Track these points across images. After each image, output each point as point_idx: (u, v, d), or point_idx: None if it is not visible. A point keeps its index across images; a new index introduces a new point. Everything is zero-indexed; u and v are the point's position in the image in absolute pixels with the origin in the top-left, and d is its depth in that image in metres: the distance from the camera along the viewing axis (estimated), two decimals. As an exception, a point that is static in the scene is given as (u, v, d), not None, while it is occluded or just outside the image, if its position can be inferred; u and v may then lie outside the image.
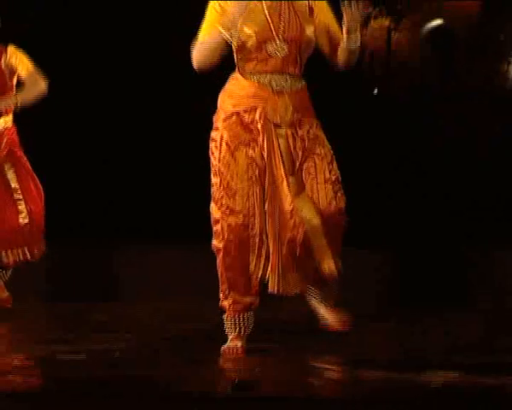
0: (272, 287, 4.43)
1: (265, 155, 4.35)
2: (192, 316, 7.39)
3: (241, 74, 4.56)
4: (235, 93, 4.58)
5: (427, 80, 13.41)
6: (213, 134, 4.55)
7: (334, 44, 4.63)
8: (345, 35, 4.55)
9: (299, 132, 4.55)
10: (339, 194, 4.51)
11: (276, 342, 5.29)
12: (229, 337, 4.84)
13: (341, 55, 4.65)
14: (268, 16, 4.54)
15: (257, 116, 4.46)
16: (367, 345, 5.78)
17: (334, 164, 4.59)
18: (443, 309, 7.52)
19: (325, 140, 4.59)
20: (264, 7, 4.54)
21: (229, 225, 4.29)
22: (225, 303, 4.76)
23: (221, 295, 4.74)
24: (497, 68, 14.85)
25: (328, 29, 4.62)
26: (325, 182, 4.50)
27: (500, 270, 8.23)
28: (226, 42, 4.55)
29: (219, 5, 4.54)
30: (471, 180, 9.55)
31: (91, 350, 5.79)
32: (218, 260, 4.55)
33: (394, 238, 8.72)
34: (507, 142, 10.06)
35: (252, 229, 4.36)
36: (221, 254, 4.47)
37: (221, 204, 4.35)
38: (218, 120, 4.57)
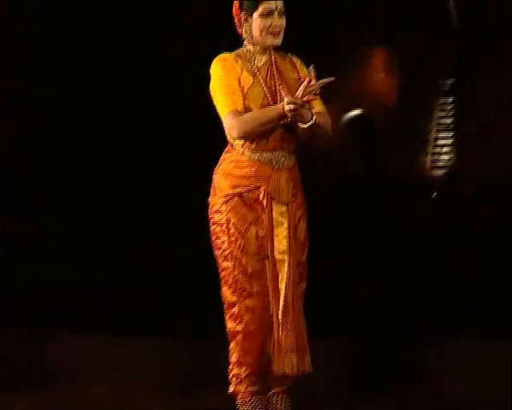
0: (278, 367, 4.32)
1: (270, 234, 4.27)
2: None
3: (239, 152, 4.40)
4: (233, 174, 4.44)
5: (347, 170, 13.51)
6: (216, 217, 4.38)
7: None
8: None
9: (294, 208, 4.53)
10: (304, 278, 4.48)
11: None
12: None
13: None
14: (266, 92, 4.47)
15: (260, 196, 4.37)
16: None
17: (307, 247, 4.55)
18: (395, 395, 7.49)
19: (304, 226, 4.53)
20: (262, 83, 4.46)
21: (247, 308, 4.20)
22: (240, 388, 4.51)
23: (234, 379, 4.50)
24: (416, 159, 15.06)
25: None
26: (299, 265, 4.47)
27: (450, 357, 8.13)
28: None
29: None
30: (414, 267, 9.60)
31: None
32: (232, 344, 4.34)
33: (347, 324, 8.66)
34: (427, 232, 10.16)
35: (269, 310, 4.31)
36: (239, 336, 4.31)
37: (236, 287, 4.26)
38: (218, 202, 4.41)
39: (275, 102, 4.42)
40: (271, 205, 4.39)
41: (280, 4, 4.39)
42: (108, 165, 10.63)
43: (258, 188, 4.31)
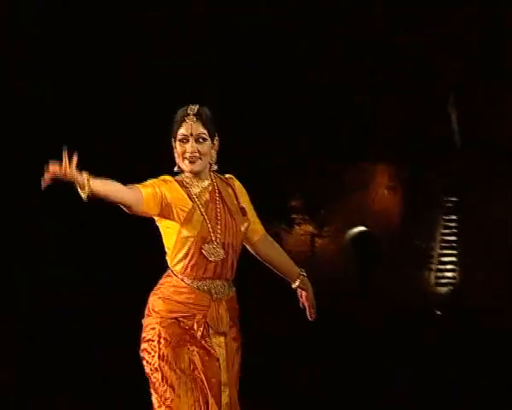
0: None
1: (204, 363, 4.21)
2: None
3: (179, 279, 4.34)
4: (172, 298, 4.37)
5: (347, 287, 13.59)
6: (149, 335, 4.30)
7: (252, 230, 4.55)
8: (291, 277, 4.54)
9: (230, 340, 4.47)
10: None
11: None
12: None
13: (272, 261, 4.53)
14: (206, 218, 4.39)
15: (195, 325, 4.32)
16: None
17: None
18: None
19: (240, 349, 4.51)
20: (201, 209, 4.37)
21: None
22: None
23: None
24: (420, 275, 15.20)
25: (252, 221, 4.55)
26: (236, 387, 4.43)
27: None
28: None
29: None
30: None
31: None
32: None
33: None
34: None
35: None
36: None
37: (165, 398, 4.20)
38: (152, 322, 4.33)
39: (214, 229, 4.34)
40: (207, 334, 4.34)
41: (197, 130, 4.29)
42: (109, 165, 10.62)
43: (195, 316, 4.25)
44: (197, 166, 4.18)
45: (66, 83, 10.15)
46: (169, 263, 4.25)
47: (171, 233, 4.20)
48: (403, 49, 13.05)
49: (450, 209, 15.35)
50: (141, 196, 4.11)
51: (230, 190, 4.32)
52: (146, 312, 4.26)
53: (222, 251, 4.14)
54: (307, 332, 7.91)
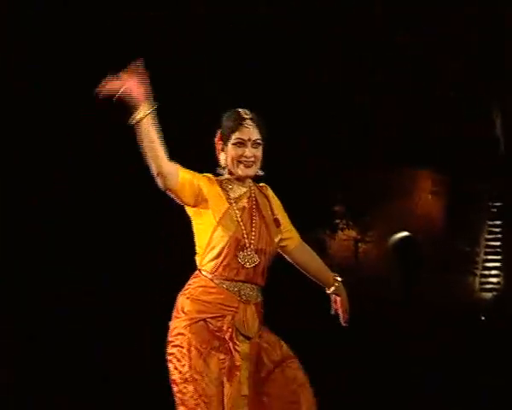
0: None
1: (231, 365, 4.21)
2: None
3: (208, 278, 4.33)
4: (200, 299, 4.35)
5: (391, 292, 13.51)
6: (178, 341, 4.29)
7: (287, 238, 4.56)
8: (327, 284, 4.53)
9: (264, 343, 4.45)
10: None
11: None
12: None
13: (309, 270, 4.53)
14: (240, 223, 4.40)
15: (224, 326, 4.32)
16: None
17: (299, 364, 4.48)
18: None
19: (285, 345, 4.47)
20: (237, 213, 4.38)
21: None
22: None
23: None
24: (465, 281, 15.14)
25: (287, 229, 4.56)
26: (303, 384, 4.39)
27: None
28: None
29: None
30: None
31: None
32: None
33: None
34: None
35: None
36: None
37: None
38: (181, 325, 4.32)
39: (249, 235, 4.36)
40: (235, 336, 4.35)
41: (254, 136, 4.29)
42: (109, 165, 10.63)
43: (224, 317, 4.24)
44: (251, 171, 4.19)
45: (66, 83, 10.14)
46: (198, 262, 4.23)
47: (204, 231, 4.18)
48: (403, 49, 13.05)
49: (495, 214, 15.36)
50: (176, 172, 4.09)
51: (265, 200, 4.32)
52: (174, 313, 4.23)
53: (256, 256, 4.14)
54: (352, 337, 7.90)
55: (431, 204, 15.44)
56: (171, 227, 12.86)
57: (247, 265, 4.14)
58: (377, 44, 13.00)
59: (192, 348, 4.14)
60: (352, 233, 15.09)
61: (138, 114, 4.06)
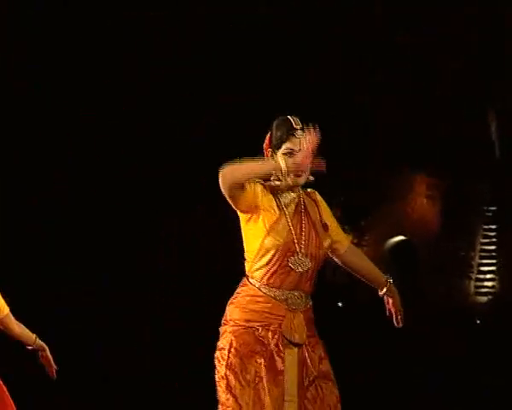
0: None
1: (269, 377, 4.26)
2: None
3: (256, 287, 4.37)
4: (248, 308, 4.41)
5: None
6: (221, 343, 4.35)
7: (337, 242, 4.60)
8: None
9: (309, 352, 4.49)
10: None
11: None
12: None
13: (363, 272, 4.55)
14: (291, 227, 4.43)
15: (270, 334, 4.36)
16: None
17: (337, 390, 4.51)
18: None
19: (328, 362, 4.51)
20: (288, 218, 4.42)
21: None
22: None
23: None
24: (460, 285, 15.16)
25: (336, 232, 4.59)
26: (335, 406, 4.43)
27: None
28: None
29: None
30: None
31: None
32: None
33: None
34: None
35: None
36: None
37: (226, 406, 4.25)
38: (227, 330, 4.40)
39: (299, 240, 4.41)
40: (281, 343, 4.39)
41: (304, 145, 4.32)
42: (110, 165, 10.63)
43: (270, 325, 4.28)
44: (302, 180, 4.21)
45: (66, 83, 10.14)
46: (247, 269, 4.23)
47: (254, 237, 4.19)
48: (403, 49, 13.04)
49: (490, 218, 15.36)
50: None
51: (314, 205, 4.34)
52: (223, 320, 4.27)
53: (307, 261, 4.15)
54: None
55: (426, 208, 15.47)
56: (171, 227, 12.87)
57: (299, 269, 4.15)
58: (377, 44, 12.99)
59: (232, 349, 4.19)
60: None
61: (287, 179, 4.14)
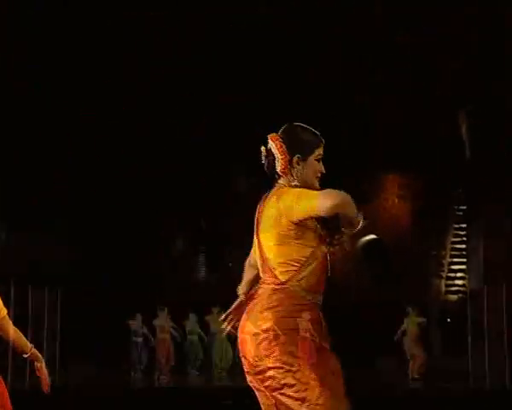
0: None
1: (333, 360, 4.48)
2: None
3: (299, 296, 4.46)
4: (293, 316, 4.55)
5: (360, 295, 13.56)
6: (284, 357, 4.50)
7: None
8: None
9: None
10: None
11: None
12: None
13: None
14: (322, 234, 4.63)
15: (314, 333, 4.52)
16: None
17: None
18: None
19: None
20: (319, 228, 4.60)
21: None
22: None
23: None
24: (431, 283, 15.17)
25: None
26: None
27: None
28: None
29: None
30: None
31: None
32: None
33: None
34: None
35: None
36: None
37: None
38: (283, 342, 4.59)
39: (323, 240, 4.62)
40: (323, 339, 4.59)
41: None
42: (110, 165, 10.63)
43: (312, 326, 4.44)
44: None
45: (66, 83, 10.14)
46: (289, 277, 4.27)
47: (302, 247, 4.25)
48: (403, 49, 13.04)
49: (461, 218, 15.39)
50: None
51: None
52: (271, 335, 4.31)
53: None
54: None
55: (398, 208, 15.55)
56: (171, 227, 12.86)
57: (329, 273, 4.29)
58: (377, 44, 12.99)
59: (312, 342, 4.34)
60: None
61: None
